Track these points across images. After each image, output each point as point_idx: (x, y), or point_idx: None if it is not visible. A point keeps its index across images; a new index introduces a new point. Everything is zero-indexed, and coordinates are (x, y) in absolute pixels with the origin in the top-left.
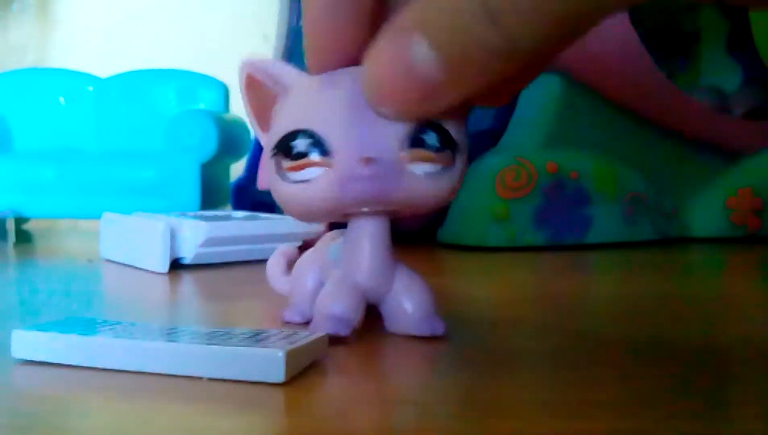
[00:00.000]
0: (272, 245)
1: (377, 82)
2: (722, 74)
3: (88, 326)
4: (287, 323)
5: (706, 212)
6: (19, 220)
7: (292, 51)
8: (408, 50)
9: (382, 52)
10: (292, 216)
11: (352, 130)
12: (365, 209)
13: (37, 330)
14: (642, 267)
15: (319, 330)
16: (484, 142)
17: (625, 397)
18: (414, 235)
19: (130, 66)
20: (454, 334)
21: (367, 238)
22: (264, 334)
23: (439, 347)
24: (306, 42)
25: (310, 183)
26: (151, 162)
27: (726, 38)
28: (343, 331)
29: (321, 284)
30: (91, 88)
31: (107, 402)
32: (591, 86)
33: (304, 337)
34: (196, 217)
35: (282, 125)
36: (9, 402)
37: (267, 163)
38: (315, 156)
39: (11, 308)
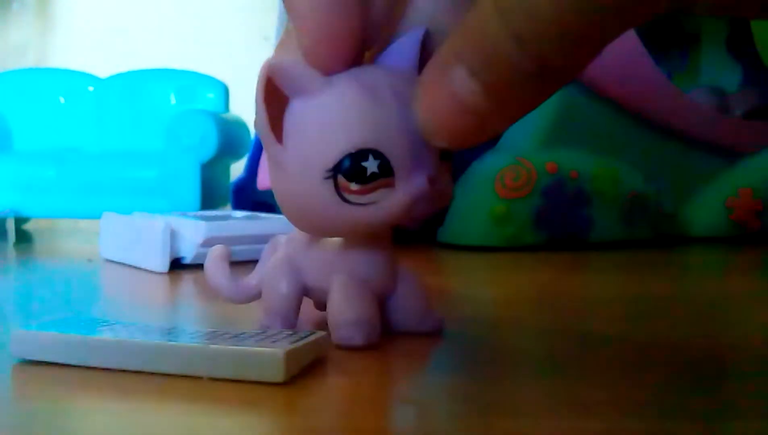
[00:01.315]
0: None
1: (431, 120)
2: (722, 74)
3: (87, 326)
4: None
5: (706, 212)
6: (19, 220)
7: None
8: (451, 83)
9: (428, 89)
10: (325, 235)
11: (413, 148)
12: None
13: (37, 330)
14: (642, 267)
15: (346, 340)
16: (483, 142)
17: (625, 397)
18: (414, 235)
19: (130, 66)
20: (454, 334)
21: (371, 241)
22: (264, 334)
23: (439, 347)
24: (299, 38)
25: (376, 205)
26: (151, 162)
27: (726, 38)
28: (374, 338)
29: (304, 288)
30: (91, 88)
31: (107, 402)
32: (591, 86)
33: (304, 336)
34: (196, 216)
35: (334, 142)
36: (8, 402)
37: (302, 182)
38: (385, 178)
39: (11, 308)
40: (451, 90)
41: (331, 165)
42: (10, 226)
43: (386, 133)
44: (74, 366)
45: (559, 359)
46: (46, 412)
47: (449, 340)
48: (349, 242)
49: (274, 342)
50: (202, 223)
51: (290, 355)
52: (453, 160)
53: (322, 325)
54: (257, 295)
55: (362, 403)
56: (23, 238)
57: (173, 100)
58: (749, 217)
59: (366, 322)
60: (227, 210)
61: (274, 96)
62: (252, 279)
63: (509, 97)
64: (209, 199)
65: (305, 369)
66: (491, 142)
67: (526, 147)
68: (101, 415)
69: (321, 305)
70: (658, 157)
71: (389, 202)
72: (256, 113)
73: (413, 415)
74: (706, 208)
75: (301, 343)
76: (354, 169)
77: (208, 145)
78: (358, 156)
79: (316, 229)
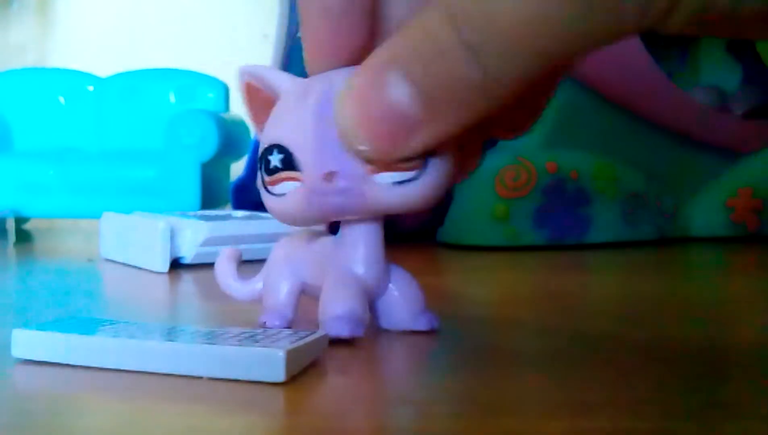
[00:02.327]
0: (272, 245)
1: (351, 121)
2: (722, 74)
3: (88, 326)
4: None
5: (706, 212)
6: (19, 220)
7: (292, 52)
8: (384, 86)
9: (356, 89)
10: (294, 225)
11: (316, 144)
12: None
13: (37, 329)
14: (642, 267)
15: (333, 333)
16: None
17: (625, 397)
18: (414, 234)
19: (130, 65)
20: (454, 334)
21: (362, 238)
22: (264, 334)
23: (438, 347)
24: (304, 46)
25: (285, 197)
26: (151, 161)
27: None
28: (358, 332)
29: (301, 285)
30: (91, 88)
31: (107, 402)
32: (591, 85)
33: (304, 336)
34: (196, 216)
35: (264, 138)
36: (9, 401)
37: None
38: (287, 171)
39: (11, 307)
40: (382, 93)
41: (259, 157)
42: (10, 225)
43: (292, 130)
44: (74, 366)
45: (559, 359)
46: (47, 411)
47: (449, 339)
48: (342, 240)
49: (274, 342)
50: (202, 222)
51: (291, 355)
52: (426, 157)
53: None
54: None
55: (362, 403)
56: (23, 237)
57: (173, 100)
58: (749, 217)
59: (352, 317)
60: (227, 210)
61: (261, 98)
62: (258, 279)
63: (446, 110)
64: (209, 199)
65: (305, 369)
66: (491, 142)
67: (526, 147)
68: (101, 415)
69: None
70: (658, 157)
71: (292, 196)
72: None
73: (413, 415)
74: (706, 207)
75: (301, 342)
76: (263, 162)
77: (208, 145)
78: (267, 150)
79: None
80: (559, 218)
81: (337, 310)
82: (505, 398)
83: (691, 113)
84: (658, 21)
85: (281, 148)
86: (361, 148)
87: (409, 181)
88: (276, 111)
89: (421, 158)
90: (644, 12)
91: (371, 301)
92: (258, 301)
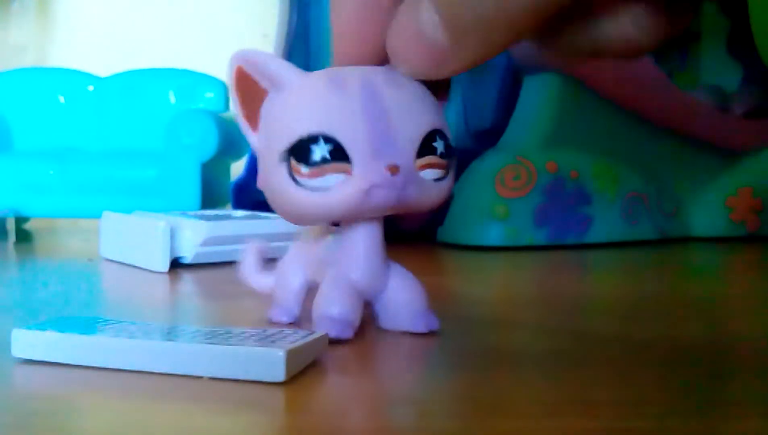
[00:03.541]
0: (272, 244)
1: (396, 46)
2: (722, 73)
3: (88, 325)
4: (274, 323)
5: (707, 211)
6: (19, 220)
7: (292, 51)
8: (418, 16)
9: (399, 18)
10: (296, 222)
11: (374, 137)
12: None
13: (38, 329)
14: (642, 266)
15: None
16: (484, 141)
17: (625, 397)
18: (414, 234)
19: (130, 65)
20: (454, 334)
21: (362, 239)
22: (264, 334)
23: (438, 346)
24: (336, 36)
25: (330, 190)
26: (151, 161)
27: (726, 38)
28: (346, 334)
29: (308, 282)
30: (91, 88)
31: (107, 401)
32: (591, 85)
33: (304, 336)
34: (196, 216)
35: (290, 127)
36: (9, 401)
37: (268, 166)
38: (338, 163)
39: (11, 307)
40: (416, 22)
41: (285, 148)
42: (11, 225)
43: (342, 119)
44: (74, 366)
45: (559, 359)
46: (47, 411)
47: (449, 339)
48: (341, 242)
49: (274, 341)
50: (203, 222)
51: (291, 355)
52: (453, 157)
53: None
54: None
55: (362, 402)
56: (23, 237)
57: (173, 100)
58: (749, 217)
59: (342, 320)
60: (227, 209)
61: (250, 87)
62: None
63: (469, 40)
64: (209, 199)
65: (305, 368)
66: (491, 142)
67: (526, 146)
68: (101, 415)
69: None
70: (658, 157)
71: (344, 188)
72: (233, 103)
73: (413, 415)
74: (706, 207)
75: (301, 342)
76: (303, 152)
77: (208, 145)
78: (309, 140)
79: (287, 215)
80: (559, 218)
81: (328, 311)
82: (505, 398)
83: (691, 113)
84: None
85: (329, 138)
86: (404, 69)
87: (442, 178)
88: (296, 100)
89: (450, 158)
90: None
91: (369, 302)
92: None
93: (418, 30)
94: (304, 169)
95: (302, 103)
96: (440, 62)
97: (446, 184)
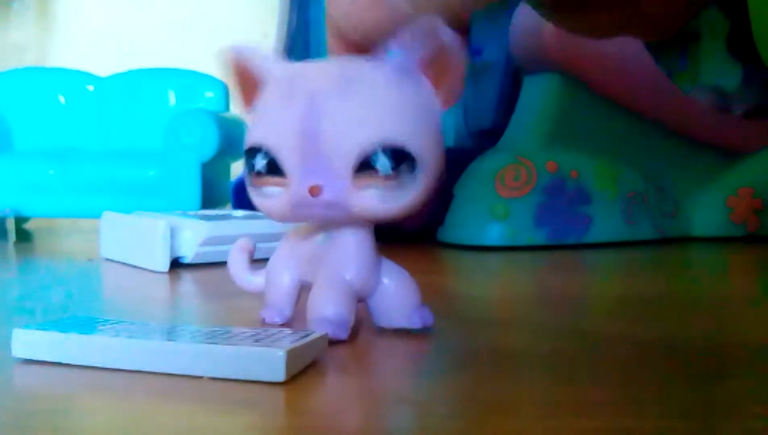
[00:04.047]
0: (272, 244)
1: (341, 7)
2: (722, 73)
3: (88, 325)
4: (267, 324)
5: (707, 211)
6: (20, 219)
7: (292, 50)
8: None
9: None
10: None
11: (304, 156)
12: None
13: (38, 329)
14: (642, 266)
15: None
16: (484, 141)
17: (626, 396)
18: (414, 234)
19: (131, 65)
20: (454, 333)
21: (352, 237)
22: (264, 333)
23: (438, 346)
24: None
25: (270, 199)
26: (151, 161)
27: (726, 38)
28: (342, 335)
29: (299, 282)
30: (91, 87)
31: (107, 401)
32: (591, 86)
33: (304, 336)
34: (196, 216)
35: (249, 133)
36: (9, 400)
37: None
38: (272, 177)
39: (12, 307)
40: None
41: (244, 152)
42: (11, 225)
43: (280, 136)
44: (74, 365)
45: (559, 359)
46: (47, 410)
47: (449, 339)
48: (332, 241)
49: (274, 341)
50: (202, 222)
51: (291, 355)
52: (412, 169)
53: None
54: None
55: (362, 402)
56: (23, 237)
57: (173, 100)
58: (749, 217)
59: (338, 321)
60: (227, 209)
61: (247, 78)
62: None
63: (427, 6)
64: (209, 199)
65: (305, 368)
66: (491, 142)
67: (526, 146)
68: (101, 415)
69: None
70: (658, 156)
71: (278, 200)
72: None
73: (413, 415)
74: (706, 207)
75: (301, 342)
76: (249, 161)
77: (208, 145)
78: (251, 151)
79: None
80: (559, 218)
81: (324, 312)
82: (505, 398)
83: (691, 113)
84: None
85: (265, 153)
86: (354, 32)
87: (395, 193)
88: (262, 104)
89: (407, 168)
90: None
91: (363, 300)
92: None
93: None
94: (249, 176)
95: (258, 111)
96: (393, 23)
97: (399, 196)
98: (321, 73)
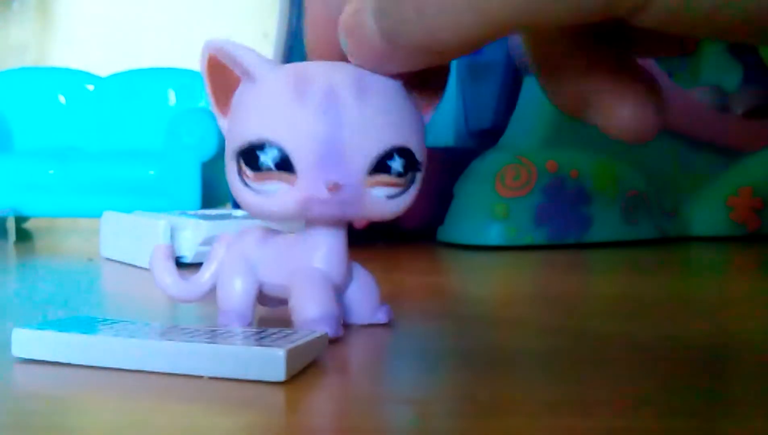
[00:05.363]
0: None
1: (343, 39)
2: (722, 73)
3: (88, 325)
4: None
5: (707, 211)
6: (19, 219)
7: (293, 50)
8: (361, 19)
9: (346, 15)
10: (252, 215)
11: (322, 152)
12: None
13: (38, 329)
14: (642, 266)
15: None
16: (484, 141)
17: (625, 396)
18: (414, 234)
19: (130, 65)
20: (454, 333)
21: (327, 240)
22: (264, 333)
23: (438, 346)
24: (307, 38)
25: (271, 196)
26: (151, 161)
27: None
28: (340, 331)
29: (255, 282)
30: (91, 87)
31: (107, 401)
32: None
33: (304, 335)
34: (196, 215)
35: (246, 127)
36: (9, 401)
37: (227, 156)
38: (280, 172)
39: (11, 307)
40: (359, 21)
41: (237, 148)
42: (11, 225)
43: (294, 130)
44: (74, 365)
45: (559, 359)
46: (47, 411)
47: (449, 339)
48: (305, 239)
49: (274, 341)
50: (203, 222)
51: (291, 354)
52: (417, 171)
53: (281, 321)
54: (208, 292)
55: (362, 402)
56: (23, 237)
57: (173, 99)
58: (749, 216)
59: (332, 318)
60: (228, 209)
61: (223, 75)
62: (202, 276)
63: (402, 51)
64: (210, 198)
65: (305, 368)
66: (492, 141)
67: (526, 145)
68: (101, 415)
69: (272, 301)
70: (658, 156)
71: (285, 197)
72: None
73: (413, 415)
74: (707, 207)
75: (301, 341)
76: (250, 157)
77: (208, 144)
78: (257, 146)
79: (244, 208)
80: (560, 217)
81: (314, 312)
82: (505, 398)
83: (691, 112)
84: (627, 13)
85: (276, 148)
86: (351, 59)
87: (398, 195)
88: (258, 100)
89: (412, 173)
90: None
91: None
92: (202, 298)
93: (360, 31)
94: (249, 173)
95: (260, 105)
96: (382, 63)
97: (404, 199)
98: (335, 74)
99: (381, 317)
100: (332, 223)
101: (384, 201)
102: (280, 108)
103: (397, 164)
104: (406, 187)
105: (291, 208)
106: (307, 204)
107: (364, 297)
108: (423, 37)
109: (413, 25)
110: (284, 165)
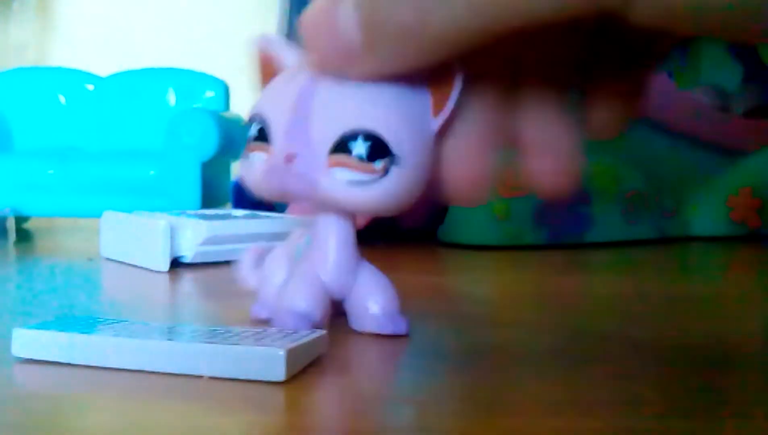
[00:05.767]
0: (272, 244)
1: (306, 31)
2: (723, 73)
3: (88, 325)
4: (255, 318)
5: (707, 211)
6: (19, 219)
7: None
8: (336, 9)
9: (316, 4)
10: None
11: (288, 123)
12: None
13: (38, 328)
14: (642, 265)
15: (282, 325)
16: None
17: (626, 396)
18: (414, 234)
19: (130, 65)
20: (454, 333)
21: (332, 234)
22: (264, 333)
23: (438, 346)
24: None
25: (252, 166)
26: (151, 161)
27: None
28: (305, 328)
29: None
30: (91, 87)
31: (108, 401)
32: None
33: (304, 335)
34: (196, 215)
35: (253, 108)
36: (10, 400)
37: None
38: (260, 143)
39: (12, 306)
40: (333, 11)
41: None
42: (11, 224)
43: (274, 106)
44: (75, 365)
45: (559, 358)
46: (47, 410)
47: (449, 338)
48: (313, 237)
49: (274, 341)
50: (203, 222)
51: (291, 354)
52: (390, 162)
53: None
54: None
55: (362, 402)
56: (23, 236)
57: (173, 99)
58: (749, 216)
59: (303, 315)
60: (228, 209)
61: (272, 67)
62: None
63: (382, 44)
64: (210, 198)
65: (305, 368)
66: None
67: None
68: (102, 414)
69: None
70: (659, 155)
71: (258, 167)
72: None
73: (413, 415)
74: (707, 206)
75: (301, 341)
76: (247, 130)
77: (208, 144)
78: (251, 118)
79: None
80: (559, 217)
81: (290, 304)
82: (505, 398)
83: (691, 112)
84: (617, 8)
85: (260, 119)
86: (313, 63)
87: (365, 183)
88: (271, 84)
89: (384, 162)
90: None
91: (339, 297)
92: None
93: (333, 22)
94: (247, 144)
95: (268, 87)
96: (348, 62)
97: (375, 190)
98: None
99: (388, 329)
100: (299, 203)
101: (345, 186)
102: (271, 89)
103: (360, 148)
104: (377, 178)
105: (259, 178)
106: (269, 174)
107: (370, 305)
108: (413, 22)
109: (405, 5)
110: (261, 135)
